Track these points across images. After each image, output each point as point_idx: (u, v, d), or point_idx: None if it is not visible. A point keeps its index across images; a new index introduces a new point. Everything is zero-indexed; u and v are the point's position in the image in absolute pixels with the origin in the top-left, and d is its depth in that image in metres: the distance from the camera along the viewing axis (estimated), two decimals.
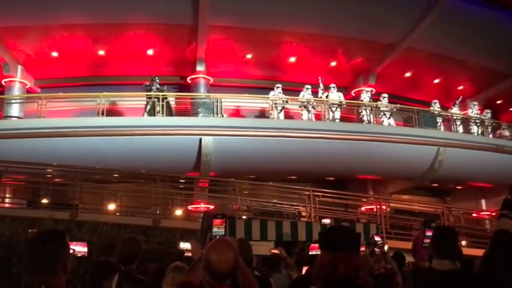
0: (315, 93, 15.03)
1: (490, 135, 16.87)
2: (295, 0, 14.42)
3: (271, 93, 14.70)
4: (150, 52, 16.04)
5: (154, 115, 13.65)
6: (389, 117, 15.30)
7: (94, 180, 12.52)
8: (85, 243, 5.32)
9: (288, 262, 5.50)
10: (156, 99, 13.80)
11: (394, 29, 15.88)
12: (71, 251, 2.18)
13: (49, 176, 12.78)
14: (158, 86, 14.38)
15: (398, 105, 15.88)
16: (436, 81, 18.92)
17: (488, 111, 17.78)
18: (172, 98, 15.09)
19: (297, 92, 15.05)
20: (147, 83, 14.44)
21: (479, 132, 16.59)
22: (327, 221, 8.17)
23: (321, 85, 15.07)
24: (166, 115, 13.93)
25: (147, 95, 14.04)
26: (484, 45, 16.85)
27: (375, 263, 5.85)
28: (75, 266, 7.43)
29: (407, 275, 5.46)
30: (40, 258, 1.87)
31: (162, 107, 13.75)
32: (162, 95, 14.10)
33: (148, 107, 13.86)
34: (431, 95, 17.77)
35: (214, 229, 2.85)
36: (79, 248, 5.24)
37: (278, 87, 14.73)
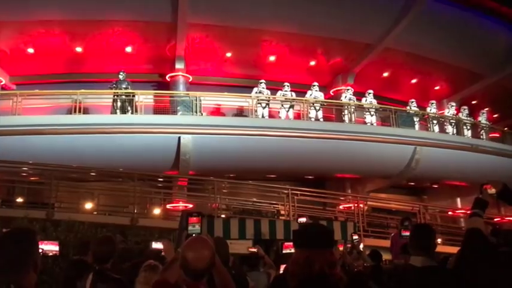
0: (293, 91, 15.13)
1: (469, 132, 17.19)
2: (275, 0, 14.46)
3: (255, 89, 14.72)
4: (128, 49, 15.88)
5: (125, 113, 13.51)
6: (373, 115, 15.49)
7: (71, 179, 12.32)
8: (56, 242, 5.22)
9: (265, 260, 5.52)
10: (124, 97, 13.65)
11: (373, 29, 16.04)
12: (40, 251, 2.13)
13: (24, 174, 12.55)
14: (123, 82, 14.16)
15: (377, 104, 16.06)
16: (414, 81, 19.20)
17: (465, 107, 18.13)
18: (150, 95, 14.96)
19: (276, 91, 15.09)
20: (115, 81, 14.19)
21: (455, 131, 16.89)
22: (302, 219, 8.22)
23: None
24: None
25: (125, 93, 13.88)
26: (460, 47, 17.17)
27: (354, 261, 5.95)
28: (50, 265, 7.33)
29: (382, 271, 5.55)
30: (9, 257, 1.84)
31: (131, 104, 13.57)
32: (144, 93, 13.98)
33: (119, 103, 13.67)
34: (408, 94, 18.02)
35: (190, 227, 2.84)
36: (50, 247, 5.14)
37: (261, 82, 14.77)
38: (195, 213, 2.89)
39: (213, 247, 2.42)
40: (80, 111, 12.96)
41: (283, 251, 4.49)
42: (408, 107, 16.70)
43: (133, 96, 13.63)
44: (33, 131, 11.95)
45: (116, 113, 13.47)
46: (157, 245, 5.08)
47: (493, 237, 3.86)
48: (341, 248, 5.89)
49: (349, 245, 6.35)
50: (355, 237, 6.37)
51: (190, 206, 13.05)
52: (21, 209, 10.63)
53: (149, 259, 4.02)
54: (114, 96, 13.74)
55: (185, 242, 2.52)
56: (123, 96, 13.73)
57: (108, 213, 11.93)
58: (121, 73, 14.19)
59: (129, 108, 13.54)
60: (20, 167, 11.86)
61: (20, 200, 12.15)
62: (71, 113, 13.06)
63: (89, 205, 11.82)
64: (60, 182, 11.38)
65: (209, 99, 14.97)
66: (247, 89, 15.22)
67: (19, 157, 11.25)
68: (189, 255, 2.32)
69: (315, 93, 15.39)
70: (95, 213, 11.78)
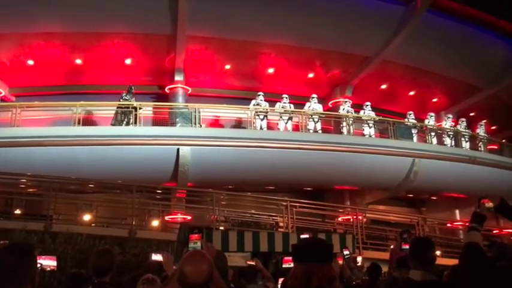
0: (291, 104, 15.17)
1: (467, 144, 17.23)
2: (273, 13, 14.59)
3: (253, 101, 14.76)
4: (128, 61, 15.95)
5: (128, 125, 13.51)
6: (371, 127, 15.54)
7: (69, 191, 12.30)
8: (54, 256, 5.17)
9: (264, 273, 5.49)
10: (130, 109, 13.64)
11: (371, 42, 16.16)
12: (38, 265, 2.13)
13: (23, 186, 12.53)
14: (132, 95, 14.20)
15: (375, 116, 16.10)
16: (411, 93, 19.28)
17: (464, 119, 18.18)
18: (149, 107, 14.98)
19: (275, 103, 15.12)
20: (125, 93, 14.22)
21: (453, 143, 16.92)
22: (305, 236, 8.19)
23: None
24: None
25: (124, 104, 13.88)
26: (458, 59, 17.29)
27: (352, 275, 5.93)
28: (47, 278, 7.29)
29: (381, 285, 5.53)
30: (7, 272, 1.83)
31: (136, 117, 13.56)
32: (143, 105, 14.00)
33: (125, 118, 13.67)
34: (406, 106, 18.09)
35: (191, 244, 2.83)
36: (48, 262, 5.09)
37: (259, 95, 14.82)
38: (196, 230, 2.88)
39: (211, 261, 2.42)
40: (79, 123, 12.96)
41: (283, 266, 4.45)
42: (406, 119, 16.74)
43: (139, 108, 13.57)
44: (32, 142, 11.93)
45: (121, 124, 13.45)
46: (157, 257, 5.06)
47: (488, 250, 3.85)
48: (340, 262, 5.86)
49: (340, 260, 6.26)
50: (346, 252, 6.16)
51: (189, 217, 13.02)
52: (19, 220, 10.60)
53: (148, 271, 4.01)
54: (122, 107, 13.70)
55: (184, 256, 2.51)
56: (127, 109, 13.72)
57: (106, 225, 11.91)
58: (132, 87, 14.20)
59: (130, 118, 13.51)
60: (18, 178, 11.84)
61: (18, 211, 12.11)
62: (70, 125, 13.05)
63: (87, 217, 11.80)
64: (59, 193, 11.35)
65: (208, 111, 14.99)
66: (246, 100, 15.26)
67: (18, 169, 11.22)
68: (187, 269, 2.31)
69: (314, 105, 15.44)
70: (93, 225, 11.76)
